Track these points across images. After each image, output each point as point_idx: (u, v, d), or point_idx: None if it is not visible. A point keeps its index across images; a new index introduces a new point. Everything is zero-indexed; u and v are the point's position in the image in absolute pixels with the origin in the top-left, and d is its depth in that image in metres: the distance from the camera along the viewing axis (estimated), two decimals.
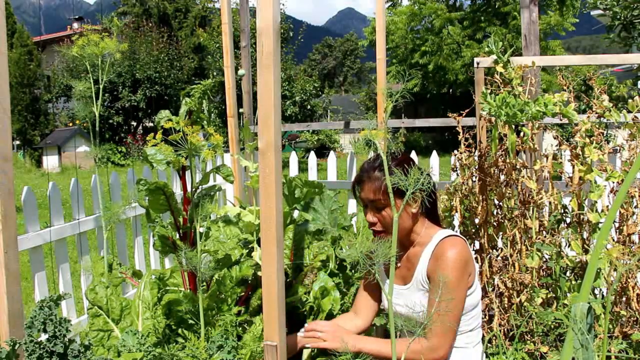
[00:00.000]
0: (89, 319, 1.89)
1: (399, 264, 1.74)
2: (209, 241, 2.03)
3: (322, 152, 15.18)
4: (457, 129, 2.28)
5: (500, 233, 2.15)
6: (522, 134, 2.08)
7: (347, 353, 1.54)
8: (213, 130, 1.79)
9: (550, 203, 2.05)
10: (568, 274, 2.04)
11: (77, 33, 2.14)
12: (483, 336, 2.02)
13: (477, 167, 2.20)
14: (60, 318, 1.44)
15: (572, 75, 13.54)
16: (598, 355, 1.29)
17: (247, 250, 2.17)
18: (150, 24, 18.74)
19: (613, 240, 1.98)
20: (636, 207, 1.95)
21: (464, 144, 2.27)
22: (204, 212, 1.74)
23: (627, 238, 1.95)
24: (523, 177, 2.07)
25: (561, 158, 2.12)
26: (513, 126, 2.05)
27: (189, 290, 1.88)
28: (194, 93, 1.79)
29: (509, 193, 2.12)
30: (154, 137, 1.70)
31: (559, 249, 1.98)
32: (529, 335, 1.96)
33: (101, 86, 2.10)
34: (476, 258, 2.24)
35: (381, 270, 1.80)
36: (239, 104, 3.90)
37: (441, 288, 1.50)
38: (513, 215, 2.08)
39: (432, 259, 1.61)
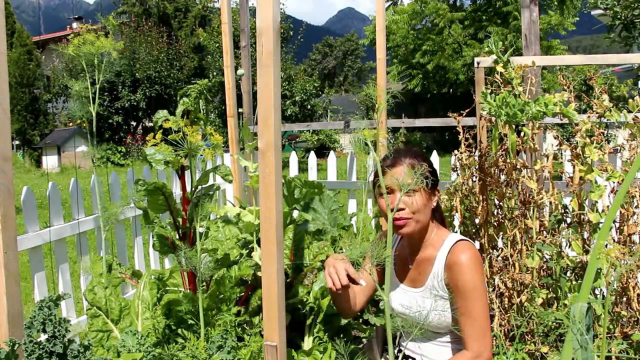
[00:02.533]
0: (88, 320, 1.89)
1: (410, 266, 1.73)
2: (207, 241, 2.03)
3: (322, 152, 15.16)
4: (458, 128, 2.28)
5: (501, 233, 2.15)
6: (522, 134, 2.08)
7: None
8: (212, 130, 1.79)
9: (550, 203, 2.05)
10: (568, 274, 2.04)
11: (75, 33, 2.13)
12: None
13: (477, 167, 2.20)
14: (59, 318, 1.44)
15: (573, 75, 13.55)
16: (598, 356, 1.29)
17: (247, 251, 2.16)
18: (150, 24, 18.72)
19: (614, 240, 1.98)
20: (637, 207, 1.95)
21: (464, 144, 2.26)
22: (203, 211, 1.74)
23: (628, 238, 1.94)
24: (523, 177, 2.06)
25: (561, 158, 2.12)
26: (513, 126, 2.05)
27: (188, 291, 1.87)
28: (191, 93, 1.79)
29: (510, 193, 2.12)
30: (154, 137, 1.70)
31: (560, 249, 1.98)
32: (530, 336, 1.96)
33: (98, 86, 2.09)
34: None
35: (391, 270, 1.79)
36: (239, 104, 3.89)
37: (468, 293, 1.53)
38: (513, 215, 2.08)
39: (448, 267, 1.60)
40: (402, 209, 1.59)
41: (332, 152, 4.16)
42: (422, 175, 1.47)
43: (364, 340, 2.08)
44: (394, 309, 1.75)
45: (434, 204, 1.66)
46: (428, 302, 1.64)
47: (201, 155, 1.73)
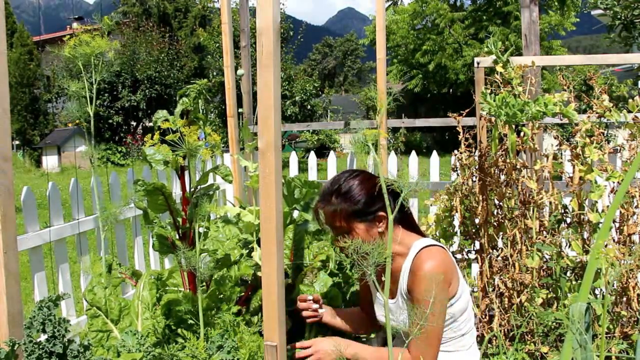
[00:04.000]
0: (88, 320, 1.89)
1: (382, 278, 1.72)
2: (208, 241, 2.03)
3: (322, 152, 15.15)
4: (458, 128, 2.28)
5: (501, 233, 2.15)
6: (522, 134, 2.08)
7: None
8: (211, 130, 1.78)
9: (550, 203, 2.05)
10: (568, 274, 2.04)
11: (70, 34, 2.13)
12: (483, 336, 2.02)
13: (477, 167, 2.20)
14: (59, 318, 1.44)
15: (573, 75, 13.55)
16: (597, 355, 1.29)
17: (247, 251, 2.17)
18: (150, 24, 18.73)
19: (614, 240, 1.98)
20: (636, 207, 1.95)
21: (464, 144, 2.26)
22: (203, 211, 1.73)
23: (628, 238, 1.95)
24: (523, 177, 2.06)
25: (561, 158, 2.12)
26: (513, 126, 2.05)
27: (188, 291, 1.87)
28: (190, 93, 1.79)
29: (509, 193, 2.12)
30: (152, 138, 1.70)
31: (560, 249, 1.98)
32: (530, 336, 1.96)
33: (94, 86, 2.09)
34: (476, 258, 2.23)
35: (374, 280, 1.78)
36: (239, 104, 3.89)
37: (421, 304, 1.47)
38: (513, 215, 2.08)
39: (410, 274, 1.57)
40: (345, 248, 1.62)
41: (332, 152, 4.16)
42: (345, 216, 1.57)
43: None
44: (378, 320, 1.77)
45: (380, 229, 1.58)
46: (404, 312, 1.62)
47: (200, 155, 1.73)
